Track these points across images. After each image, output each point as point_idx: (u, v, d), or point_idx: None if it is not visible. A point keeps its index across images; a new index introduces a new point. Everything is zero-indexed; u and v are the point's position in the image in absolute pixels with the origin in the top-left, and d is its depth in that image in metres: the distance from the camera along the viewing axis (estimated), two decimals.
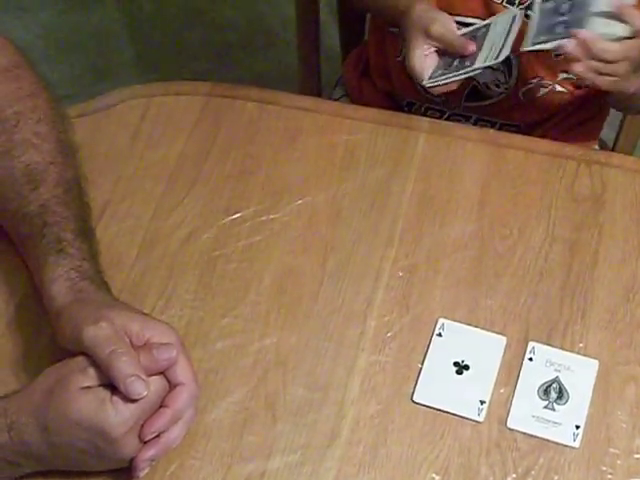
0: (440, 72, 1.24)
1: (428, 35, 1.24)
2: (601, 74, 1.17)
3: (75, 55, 2.65)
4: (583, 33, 1.15)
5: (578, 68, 1.16)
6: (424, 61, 1.24)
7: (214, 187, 1.21)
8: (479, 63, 1.21)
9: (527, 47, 1.21)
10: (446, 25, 1.24)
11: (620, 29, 1.16)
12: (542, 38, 1.20)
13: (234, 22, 2.71)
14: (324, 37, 1.72)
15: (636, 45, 1.17)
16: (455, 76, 1.23)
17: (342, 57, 1.74)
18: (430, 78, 1.24)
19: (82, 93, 2.40)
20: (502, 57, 1.20)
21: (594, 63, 1.16)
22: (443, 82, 1.23)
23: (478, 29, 1.27)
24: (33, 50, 2.52)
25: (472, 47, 1.23)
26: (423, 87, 1.26)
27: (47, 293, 1.01)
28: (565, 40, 1.16)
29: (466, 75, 1.22)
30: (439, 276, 1.14)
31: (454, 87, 1.26)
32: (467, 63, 1.22)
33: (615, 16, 1.16)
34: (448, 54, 1.25)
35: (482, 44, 1.23)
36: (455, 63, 1.24)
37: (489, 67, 1.24)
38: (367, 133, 1.27)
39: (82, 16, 2.72)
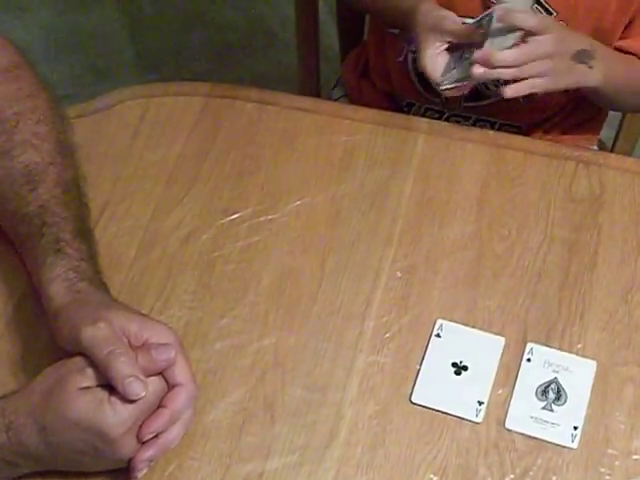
0: (452, 67, 1.24)
1: (442, 32, 1.24)
2: (525, 79, 1.20)
3: (75, 55, 2.65)
4: (477, 54, 1.19)
5: (508, 93, 1.21)
6: (436, 61, 1.25)
7: (213, 187, 1.21)
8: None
9: (444, 86, 1.24)
10: (456, 18, 1.25)
11: (511, 36, 1.20)
12: (448, 79, 1.24)
13: (234, 23, 2.71)
14: (323, 37, 1.72)
15: (543, 40, 1.20)
16: (467, 71, 1.23)
17: (341, 57, 1.74)
18: (445, 80, 1.24)
19: (82, 93, 2.40)
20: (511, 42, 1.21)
21: (498, 71, 1.19)
22: (456, 84, 1.24)
23: (482, 18, 1.26)
24: (33, 50, 2.52)
25: (482, 31, 1.23)
26: (432, 88, 1.26)
27: (45, 293, 1.01)
28: (471, 69, 1.20)
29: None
30: (438, 277, 1.14)
31: (466, 90, 1.26)
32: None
33: (504, 29, 1.20)
34: (457, 50, 1.26)
35: (488, 32, 1.23)
36: (465, 55, 1.24)
37: None
38: (366, 134, 1.27)
39: (82, 16, 2.72)
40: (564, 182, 1.22)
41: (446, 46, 1.25)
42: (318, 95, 1.76)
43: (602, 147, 1.63)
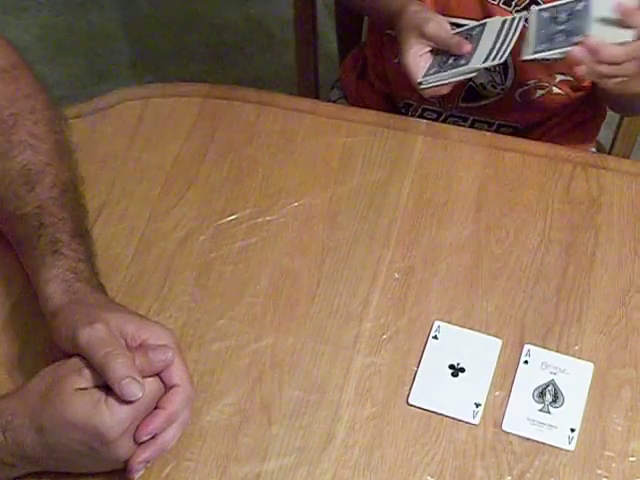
0: (434, 71, 1.24)
1: (422, 35, 1.24)
2: (607, 76, 1.18)
3: (73, 56, 2.65)
4: (591, 40, 1.14)
5: (583, 71, 1.16)
6: (418, 61, 1.25)
7: (211, 189, 1.21)
8: (475, 63, 1.21)
9: (528, 55, 1.20)
10: (440, 24, 1.25)
11: (624, 33, 1.16)
12: (543, 47, 1.19)
13: (232, 23, 2.71)
14: (322, 39, 1.72)
15: None
16: (450, 76, 1.23)
17: (339, 59, 1.74)
18: (425, 76, 1.24)
19: (80, 94, 2.41)
20: (502, 59, 1.20)
21: (600, 67, 1.16)
22: (437, 83, 1.23)
23: (473, 28, 1.26)
24: (32, 50, 2.54)
25: (468, 47, 1.23)
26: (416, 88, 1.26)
27: (43, 294, 1.01)
28: (571, 48, 1.15)
29: (461, 77, 1.22)
30: (435, 278, 1.14)
31: (445, 91, 1.26)
32: (462, 62, 1.22)
33: (616, 21, 1.16)
34: (442, 54, 1.26)
35: (477, 44, 1.23)
36: (450, 61, 1.24)
37: (485, 68, 1.24)
38: (364, 135, 1.27)
39: (80, 17, 2.72)
40: (562, 184, 1.22)
41: (429, 49, 1.26)
42: (316, 96, 1.76)
43: (600, 149, 1.63)
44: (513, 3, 1.31)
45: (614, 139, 1.61)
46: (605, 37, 1.15)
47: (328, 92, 1.69)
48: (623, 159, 1.30)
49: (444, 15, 1.30)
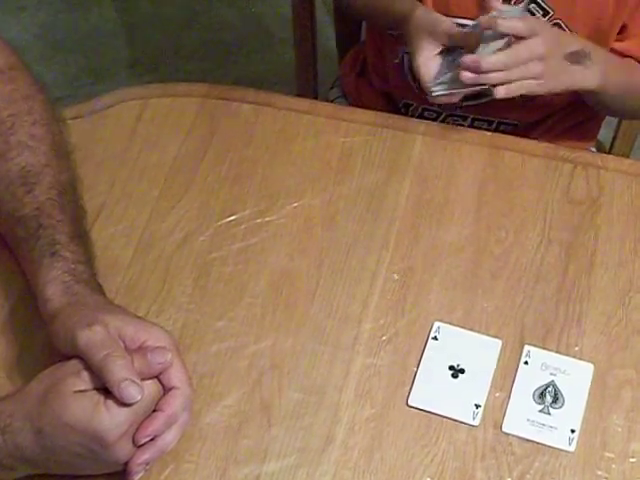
0: (446, 78, 1.24)
1: (433, 35, 1.24)
2: (518, 80, 1.20)
3: (72, 55, 2.65)
4: (465, 59, 1.18)
5: (499, 94, 1.20)
6: (429, 65, 1.25)
7: (210, 189, 1.21)
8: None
9: (433, 96, 1.24)
10: (450, 22, 1.25)
11: (501, 42, 1.19)
12: (440, 88, 1.23)
13: (231, 23, 2.71)
14: (321, 37, 1.72)
15: (533, 43, 1.19)
16: (461, 86, 1.22)
17: (339, 57, 1.74)
18: (437, 84, 1.24)
19: (78, 93, 2.42)
20: None
21: (493, 76, 1.19)
22: (448, 92, 1.23)
23: (474, 27, 1.26)
24: (30, 50, 2.54)
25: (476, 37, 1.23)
26: (426, 93, 1.26)
27: (41, 296, 1.01)
28: (461, 74, 1.19)
29: (472, 88, 1.22)
30: (435, 279, 1.14)
31: (456, 99, 1.26)
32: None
33: (495, 34, 1.20)
34: (451, 55, 1.25)
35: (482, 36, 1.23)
36: (455, 62, 1.23)
37: None
38: (363, 136, 1.26)
39: (79, 16, 2.72)
40: (562, 184, 1.22)
41: (439, 50, 1.25)
42: (316, 95, 1.76)
43: (600, 148, 1.63)
44: (513, 2, 1.30)
45: (614, 138, 1.61)
46: (488, 51, 1.20)
47: (327, 91, 1.69)
48: (623, 159, 1.29)
49: (444, 15, 1.30)
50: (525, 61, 1.19)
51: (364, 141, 1.26)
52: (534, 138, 1.33)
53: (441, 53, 1.25)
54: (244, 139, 1.26)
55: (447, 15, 1.29)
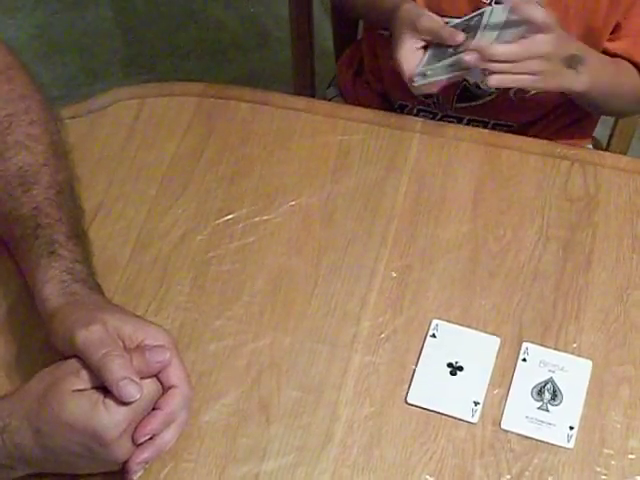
0: (426, 69, 1.23)
1: (416, 29, 1.24)
2: (515, 74, 1.20)
3: (68, 55, 2.65)
4: (474, 43, 1.18)
5: (492, 82, 1.20)
6: (411, 57, 1.24)
7: (207, 188, 1.21)
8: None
9: (417, 83, 1.23)
10: (433, 17, 1.25)
11: (509, 32, 1.19)
12: (421, 76, 1.23)
13: (228, 22, 2.71)
14: (318, 36, 1.72)
15: (543, 40, 1.19)
16: (444, 71, 1.22)
17: (336, 56, 1.73)
18: (417, 76, 1.23)
19: (75, 93, 2.42)
20: None
21: (496, 65, 1.18)
22: (430, 80, 1.23)
23: (471, 19, 1.26)
24: (26, 49, 2.53)
25: (461, 36, 1.22)
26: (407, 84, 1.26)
27: (40, 295, 1.01)
28: (461, 55, 1.19)
29: (456, 72, 1.21)
30: (433, 277, 1.14)
31: (436, 89, 1.26)
32: (453, 59, 1.22)
33: (506, 23, 1.19)
34: (436, 49, 1.25)
35: (475, 34, 1.22)
36: (442, 55, 1.23)
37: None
38: (361, 134, 1.26)
39: (76, 16, 2.72)
40: (559, 181, 1.22)
41: (422, 44, 1.25)
42: (313, 94, 1.76)
43: (597, 145, 1.63)
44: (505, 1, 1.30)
45: (611, 136, 1.61)
46: (487, 40, 1.19)
47: (325, 90, 1.69)
48: (620, 156, 1.30)
49: (436, 14, 1.30)
50: (532, 57, 1.19)
51: (361, 139, 1.26)
52: (531, 136, 1.33)
53: (424, 49, 1.25)
54: (241, 138, 1.26)
55: (439, 14, 1.29)
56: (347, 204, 1.20)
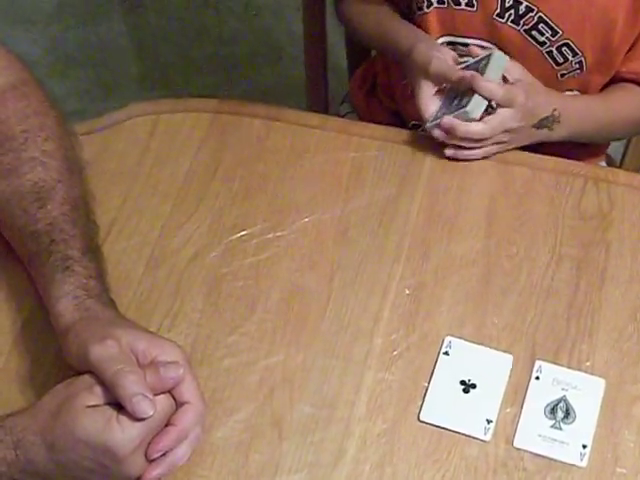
0: (441, 113, 1.25)
1: (427, 75, 1.27)
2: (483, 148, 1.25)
3: (82, 69, 2.66)
4: (445, 120, 1.22)
5: (448, 153, 1.25)
6: (428, 103, 1.27)
7: (221, 205, 1.22)
8: (474, 108, 1.22)
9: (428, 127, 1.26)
10: (443, 60, 1.27)
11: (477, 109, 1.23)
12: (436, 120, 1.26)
13: (241, 37, 2.72)
14: (331, 51, 1.72)
15: (508, 116, 1.24)
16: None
17: (349, 73, 1.74)
18: (432, 120, 1.26)
19: (89, 107, 2.42)
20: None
21: (465, 145, 1.24)
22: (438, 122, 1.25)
23: (479, 61, 1.27)
24: (41, 64, 2.55)
25: (467, 81, 1.23)
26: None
27: (54, 311, 1.01)
28: (434, 129, 1.24)
29: (465, 118, 1.23)
30: (446, 294, 1.14)
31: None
32: (464, 101, 1.23)
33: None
34: (450, 93, 1.27)
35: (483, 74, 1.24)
36: (455, 102, 1.25)
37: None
38: (374, 150, 1.27)
39: (90, 31, 2.73)
40: (573, 199, 1.22)
41: (438, 88, 1.28)
42: (326, 110, 1.77)
43: (610, 163, 1.63)
44: (521, 22, 1.30)
45: (624, 153, 1.61)
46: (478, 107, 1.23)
47: (338, 106, 1.69)
48: (634, 174, 1.30)
49: (451, 35, 1.31)
50: (498, 133, 1.24)
51: (374, 156, 1.26)
52: (544, 154, 1.33)
53: (442, 90, 1.27)
54: (255, 154, 1.27)
55: (454, 35, 1.30)
56: (360, 221, 1.20)
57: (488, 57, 1.25)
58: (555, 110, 1.27)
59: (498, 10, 1.31)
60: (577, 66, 1.34)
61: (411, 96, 1.28)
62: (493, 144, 1.25)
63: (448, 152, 1.25)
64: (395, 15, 1.41)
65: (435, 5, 1.33)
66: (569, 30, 1.30)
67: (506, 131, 1.24)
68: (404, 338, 1.10)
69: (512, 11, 1.30)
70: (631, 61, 1.36)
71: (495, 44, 1.33)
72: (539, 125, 1.27)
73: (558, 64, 1.34)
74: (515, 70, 1.27)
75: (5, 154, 1.10)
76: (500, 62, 1.25)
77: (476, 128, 1.22)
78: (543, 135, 1.29)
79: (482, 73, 1.23)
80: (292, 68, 2.55)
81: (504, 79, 1.25)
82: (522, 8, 1.29)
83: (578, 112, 1.32)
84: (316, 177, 1.24)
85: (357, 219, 1.20)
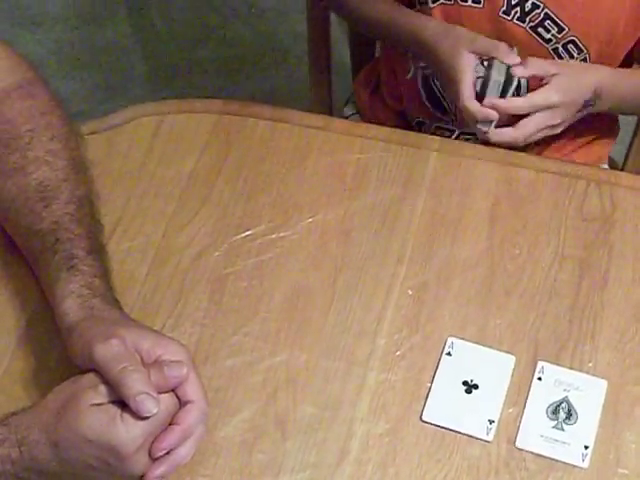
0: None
1: (474, 50, 1.28)
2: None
3: (87, 70, 2.66)
4: (486, 101, 1.26)
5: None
6: (468, 79, 1.28)
7: (225, 205, 1.22)
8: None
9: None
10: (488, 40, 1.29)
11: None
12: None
13: (245, 38, 2.72)
14: (335, 52, 1.73)
15: (546, 116, 1.28)
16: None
17: (353, 74, 1.74)
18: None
19: (94, 108, 2.43)
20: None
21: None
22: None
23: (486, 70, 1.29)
24: (46, 65, 2.55)
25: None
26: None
27: (58, 310, 1.02)
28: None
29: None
30: (449, 295, 1.14)
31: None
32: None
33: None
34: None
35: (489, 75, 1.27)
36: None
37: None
38: (378, 152, 1.27)
39: (95, 32, 2.74)
40: (575, 201, 1.22)
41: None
42: (330, 111, 1.77)
43: (613, 165, 1.63)
44: (527, 19, 1.31)
45: (627, 155, 1.61)
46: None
47: (342, 107, 1.70)
48: (636, 176, 1.30)
49: None
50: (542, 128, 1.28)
51: (378, 157, 1.26)
52: (547, 156, 1.33)
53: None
54: (259, 155, 1.27)
55: None
56: (364, 222, 1.20)
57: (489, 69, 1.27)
58: (595, 90, 1.29)
59: (504, 7, 1.31)
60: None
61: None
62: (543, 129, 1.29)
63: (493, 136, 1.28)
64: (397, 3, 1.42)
65: (441, 0, 1.34)
66: (575, 26, 1.30)
67: (552, 127, 1.28)
68: (407, 338, 1.11)
69: (518, 8, 1.31)
70: None
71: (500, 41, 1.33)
72: (582, 109, 1.29)
73: None
74: (550, 66, 1.29)
75: (11, 153, 1.10)
76: (501, 69, 1.26)
77: (519, 100, 1.27)
78: (586, 111, 1.31)
79: (487, 82, 1.24)
80: (296, 69, 2.56)
81: (539, 78, 1.27)
82: (528, 5, 1.30)
83: (618, 86, 1.33)
84: (320, 178, 1.25)
85: (361, 220, 1.20)
